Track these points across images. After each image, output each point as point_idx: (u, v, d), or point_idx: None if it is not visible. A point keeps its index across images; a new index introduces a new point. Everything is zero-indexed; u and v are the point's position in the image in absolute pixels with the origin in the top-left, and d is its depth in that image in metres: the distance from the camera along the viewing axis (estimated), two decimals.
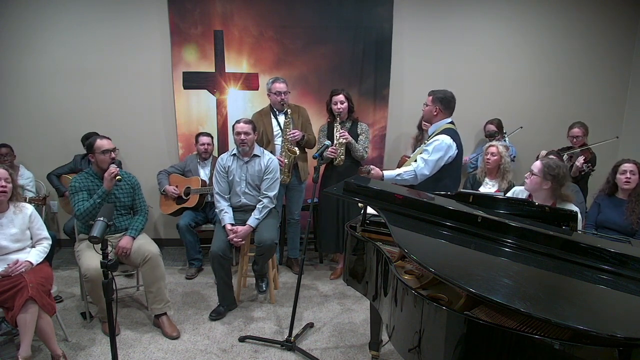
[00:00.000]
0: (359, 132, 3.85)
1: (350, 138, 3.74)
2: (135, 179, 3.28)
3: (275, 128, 3.89)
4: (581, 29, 4.69)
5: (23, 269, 2.59)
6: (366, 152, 3.87)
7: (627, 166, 3.27)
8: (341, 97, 3.75)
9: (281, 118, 3.88)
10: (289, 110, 3.80)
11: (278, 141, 3.88)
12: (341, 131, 3.73)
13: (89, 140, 3.09)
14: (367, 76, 4.57)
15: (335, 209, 3.91)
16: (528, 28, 4.68)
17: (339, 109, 3.74)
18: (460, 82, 4.61)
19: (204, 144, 4.22)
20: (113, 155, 3.06)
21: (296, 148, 3.80)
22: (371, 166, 2.99)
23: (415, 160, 3.03)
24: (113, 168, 2.98)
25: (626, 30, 4.71)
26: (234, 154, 3.51)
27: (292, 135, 3.78)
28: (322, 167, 4.00)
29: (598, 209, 3.42)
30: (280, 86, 3.77)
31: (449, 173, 3.03)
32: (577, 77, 4.78)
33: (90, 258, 2.82)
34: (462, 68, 4.69)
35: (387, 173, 2.96)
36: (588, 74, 4.78)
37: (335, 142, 3.73)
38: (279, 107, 3.85)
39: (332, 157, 3.75)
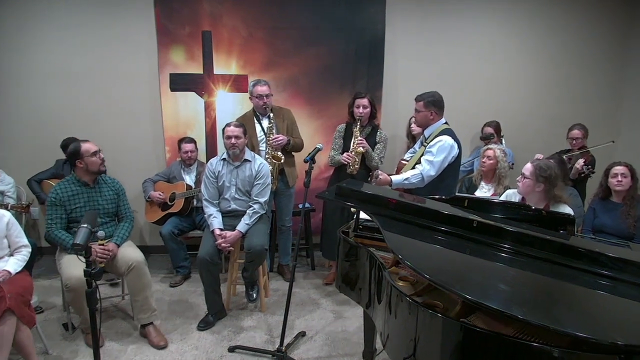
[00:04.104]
0: (377, 140, 3.81)
1: (368, 147, 3.67)
2: (120, 184, 3.25)
3: (260, 133, 3.83)
4: (576, 29, 4.74)
5: (0, 279, 2.53)
6: (381, 161, 3.82)
7: (618, 169, 3.30)
8: (365, 101, 3.69)
9: (265, 122, 3.82)
10: (271, 114, 3.76)
11: (263, 147, 3.83)
12: (360, 138, 3.66)
13: (71, 147, 3.03)
14: (360, 78, 4.57)
15: (340, 214, 3.85)
16: (523, 28, 4.72)
17: (361, 113, 3.68)
18: (454, 83, 4.64)
19: (187, 152, 4.18)
20: (101, 155, 3.06)
21: (280, 154, 3.76)
22: (379, 171, 3.07)
23: (418, 163, 3.09)
24: (100, 250, 2.91)
25: (622, 31, 4.76)
26: (224, 159, 3.49)
27: (275, 140, 3.72)
28: (332, 171, 4.01)
29: (593, 213, 3.44)
30: (262, 89, 3.72)
31: (451, 172, 3.14)
32: (573, 77, 4.83)
33: (72, 266, 2.77)
34: (456, 69, 4.71)
35: (395, 178, 3.05)
36: (584, 75, 4.83)
37: (352, 148, 3.67)
38: (262, 110, 3.80)
39: (346, 163, 3.68)
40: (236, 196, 3.49)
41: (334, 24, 4.46)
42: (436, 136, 3.08)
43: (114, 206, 3.18)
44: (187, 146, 4.19)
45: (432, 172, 3.03)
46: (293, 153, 4.00)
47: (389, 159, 4.70)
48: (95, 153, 3.00)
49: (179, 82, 4.44)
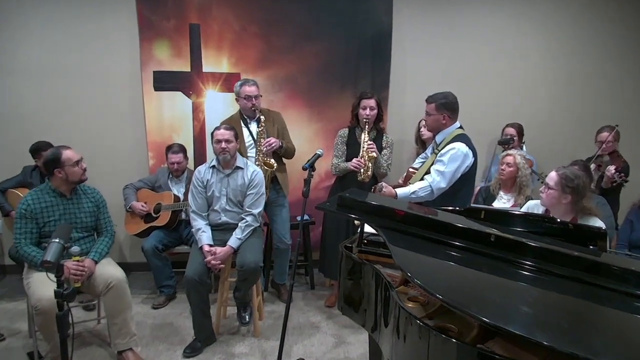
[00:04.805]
0: (383, 145, 3.83)
1: (378, 153, 3.68)
2: (101, 195, 3.24)
3: (247, 138, 3.83)
4: (602, 20, 4.75)
5: None
6: (389, 169, 3.83)
7: None
8: (372, 102, 3.70)
9: (253, 126, 3.82)
10: (262, 117, 3.75)
11: (252, 153, 3.82)
12: (370, 142, 3.65)
13: (50, 153, 3.01)
14: (363, 76, 4.58)
15: (344, 228, 3.84)
16: (546, 21, 4.74)
17: (368, 115, 3.68)
18: (469, 82, 4.65)
19: (173, 163, 4.14)
20: (84, 164, 3.04)
21: (273, 160, 3.75)
22: (383, 184, 3.04)
23: (429, 173, 3.06)
24: (73, 267, 2.86)
25: None
26: (213, 166, 3.49)
27: (267, 145, 3.72)
28: (334, 180, 4.02)
29: (631, 226, 3.39)
30: (250, 89, 3.72)
31: (466, 183, 3.12)
32: (604, 75, 4.83)
33: (43, 286, 2.72)
34: (471, 66, 4.73)
35: (401, 191, 3.02)
36: (616, 72, 4.83)
37: (361, 152, 3.66)
38: (250, 113, 3.80)
39: (357, 170, 3.66)
40: (227, 207, 3.48)
41: (335, 18, 4.48)
42: (448, 143, 3.06)
43: (93, 220, 3.16)
44: (174, 157, 4.13)
45: (443, 184, 3.00)
46: (284, 160, 3.99)
47: (395, 166, 4.70)
48: (77, 162, 2.99)
49: (164, 81, 4.44)
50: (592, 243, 2.07)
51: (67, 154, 2.97)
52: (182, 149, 4.22)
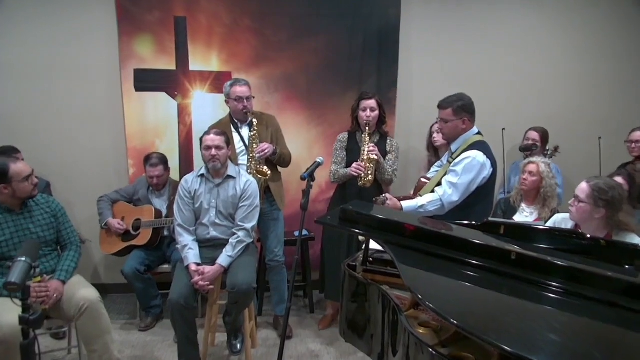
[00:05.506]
0: (387, 150, 3.84)
1: (380, 156, 3.69)
2: (57, 203, 3.21)
3: (239, 144, 3.83)
4: (636, 16, 4.76)
5: None
6: (395, 175, 3.85)
7: None
8: (373, 102, 3.72)
9: (245, 130, 3.83)
10: (254, 121, 3.77)
11: (243, 160, 3.82)
12: (371, 145, 3.67)
13: None
14: (369, 76, 4.60)
15: (346, 244, 3.83)
16: (568, 16, 4.76)
17: (369, 117, 3.70)
18: (484, 82, 4.66)
19: (152, 177, 4.10)
20: (35, 180, 2.99)
21: (266, 168, 3.76)
22: (387, 195, 3.03)
23: (439, 184, 3.04)
24: (36, 287, 2.80)
25: None
26: (202, 175, 3.49)
27: (260, 151, 3.71)
28: (334, 190, 4.02)
29: None
30: (241, 90, 3.73)
31: (482, 197, 3.07)
32: (635, 74, 4.83)
33: (3, 312, 2.67)
34: (486, 65, 4.75)
35: (407, 204, 3.00)
36: None
37: (362, 156, 3.67)
38: (241, 116, 3.81)
39: (357, 175, 3.65)
40: (217, 221, 3.47)
41: (337, 10, 4.50)
42: (464, 150, 3.03)
43: (53, 233, 3.13)
44: (153, 170, 4.08)
45: (455, 198, 2.98)
46: (279, 169, 3.99)
47: (401, 177, 4.68)
48: (27, 177, 2.93)
49: (146, 80, 4.45)
50: (627, 262, 2.06)
51: (16, 168, 2.90)
52: (162, 160, 4.16)
